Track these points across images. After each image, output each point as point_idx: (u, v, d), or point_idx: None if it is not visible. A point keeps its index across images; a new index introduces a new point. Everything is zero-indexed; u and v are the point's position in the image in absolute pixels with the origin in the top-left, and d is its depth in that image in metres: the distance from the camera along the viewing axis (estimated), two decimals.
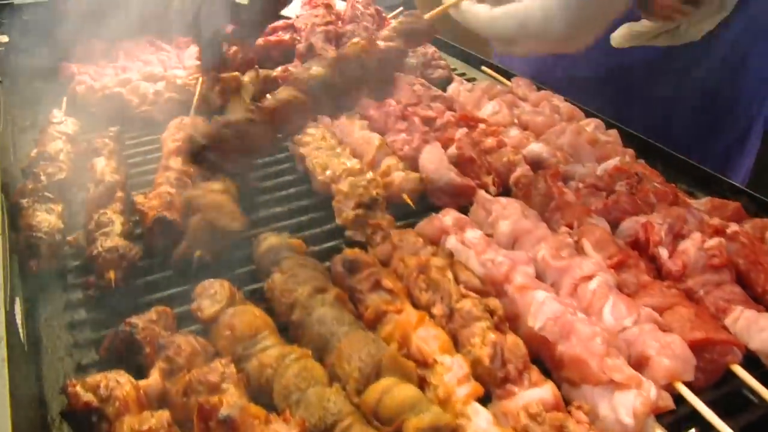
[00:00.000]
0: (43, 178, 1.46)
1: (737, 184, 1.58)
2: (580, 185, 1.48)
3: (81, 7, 2.17)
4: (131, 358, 1.04)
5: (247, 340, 1.03)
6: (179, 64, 2.15)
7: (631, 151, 1.67)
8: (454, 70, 2.24)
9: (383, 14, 2.33)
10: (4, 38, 2.03)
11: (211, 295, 1.11)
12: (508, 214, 1.37)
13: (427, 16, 1.68)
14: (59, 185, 1.47)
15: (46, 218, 1.36)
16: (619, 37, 1.56)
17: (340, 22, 2.24)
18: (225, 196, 1.34)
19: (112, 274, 1.20)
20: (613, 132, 1.76)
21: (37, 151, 1.57)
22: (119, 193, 1.42)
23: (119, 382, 0.94)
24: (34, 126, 1.88)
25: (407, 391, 0.92)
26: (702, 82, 1.99)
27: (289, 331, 1.10)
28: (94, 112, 1.91)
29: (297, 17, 2.23)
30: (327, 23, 2.10)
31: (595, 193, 1.46)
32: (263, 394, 0.98)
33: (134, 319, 1.07)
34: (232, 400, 0.89)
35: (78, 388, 0.92)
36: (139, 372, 1.02)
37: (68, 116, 1.79)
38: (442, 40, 2.38)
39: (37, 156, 1.55)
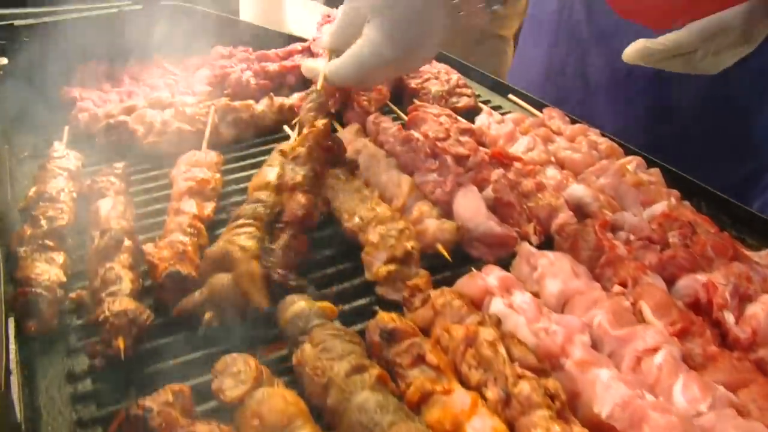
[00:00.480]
0: (43, 222, 1.33)
1: None
2: (631, 237, 1.36)
3: (84, 29, 2.05)
4: None
5: (279, 431, 0.89)
6: (188, 90, 2.02)
7: (676, 192, 1.55)
8: (478, 96, 2.12)
9: None
10: (4, 60, 1.89)
11: (235, 374, 0.98)
12: (557, 271, 1.24)
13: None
14: (60, 232, 1.34)
15: (46, 270, 1.23)
16: (631, 52, 1.47)
17: None
18: (255, 263, 1.21)
19: (121, 343, 1.07)
20: (656, 171, 1.64)
21: (36, 190, 1.44)
22: (127, 242, 1.29)
23: None
24: (33, 156, 1.75)
25: None
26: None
27: (323, 416, 0.97)
28: (97, 142, 1.78)
29: (314, 40, 2.11)
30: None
31: (647, 246, 1.33)
32: None
33: (148, 401, 0.94)
34: None
35: None
36: None
37: (70, 149, 1.67)
38: (464, 64, 2.26)
39: (36, 196, 1.42)
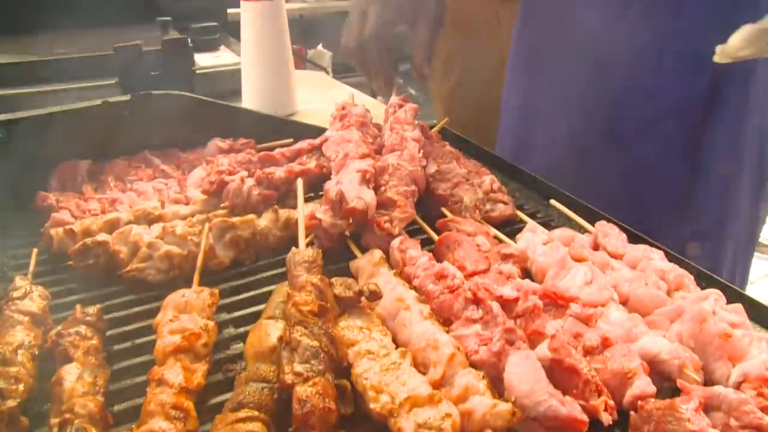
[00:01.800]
0: None
1: None
2: (733, 423, 1.07)
3: (65, 124, 1.80)
4: None
5: None
6: (180, 194, 1.75)
7: (766, 337, 1.28)
8: (515, 197, 1.85)
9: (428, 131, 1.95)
10: None
11: None
12: None
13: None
14: (13, 415, 1.06)
15: None
16: (738, 40, 1.36)
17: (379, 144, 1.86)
18: None
19: None
20: (738, 307, 1.36)
21: None
22: None
23: None
24: None
25: None
26: None
27: None
28: (71, 266, 1.50)
29: (327, 140, 1.84)
30: (363, 156, 1.69)
31: None
32: None
33: None
34: None
35: None
36: None
37: (37, 280, 1.40)
38: (492, 156, 2.01)
39: None
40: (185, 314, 1.27)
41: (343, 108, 1.97)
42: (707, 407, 1.11)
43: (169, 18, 2.80)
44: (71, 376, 1.12)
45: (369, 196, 1.56)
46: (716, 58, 1.39)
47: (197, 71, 2.64)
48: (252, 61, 2.57)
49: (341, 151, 1.74)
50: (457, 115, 2.97)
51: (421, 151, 1.79)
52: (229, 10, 3.67)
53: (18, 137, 1.76)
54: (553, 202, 1.80)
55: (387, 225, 1.53)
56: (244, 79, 2.60)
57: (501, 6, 3.01)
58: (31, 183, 1.78)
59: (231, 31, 2.99)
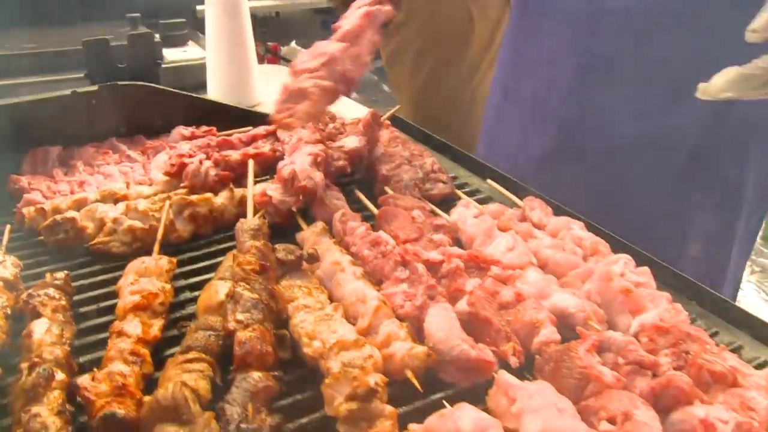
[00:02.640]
0: None
1: None
2: (620, 360, 1.23)
3: (36, 112, 1.93)
4: None
5: None
6: (145, 177, 1.89)
7: (667, 295, 1.44)
8: (455, 179, 2.01)
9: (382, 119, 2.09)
10: None
11: None
12: (538, 406, 1.11)
13: None
14: None
15: None
16: (721, 83, 1.33)
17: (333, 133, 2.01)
18: (213, 421, 1.06)
19: None
20: (645, 270, 1.52)
21: None
22: (60, 375, 1.15)
23: None
24: None
25: None
26: None
27: None
28: (41, 241, 1.64)
29: (277, 124, 1.98)
30: (315, 141, 1.84)
31: (638, 371, 1.21)
32: None
33: None
34: None
35: None
36: None
37: (11, 250, 1.54)
38: (442, 142, 2.16)
39: None
40: (145, 278, 1.42)
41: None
42: (600, 349, 1.26)
43: (138, 14, 2.93)
44: (40, 329, 1.26)
45: (319, 177, 1.72)
46: (698, 95, 1.37)
47: (165, 65, 2.78)
48: (216, 56, 2.72)
49: (295, 135, 1.89)
50: (424, 113, 3.12)
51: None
52: (198, 7, 3.81)
53: None
54: (489, 181, 1.96)
55: (287, 120, 1.62)
56: (209, 72, 2.75)
57: (473, 4, 3.15)
58: (4, 168, 1.91)
59: (199, 27, 3.12)
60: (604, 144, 1.98)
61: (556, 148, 2.09)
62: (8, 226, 1.65)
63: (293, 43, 6.52)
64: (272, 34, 6.53)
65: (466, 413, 1.09)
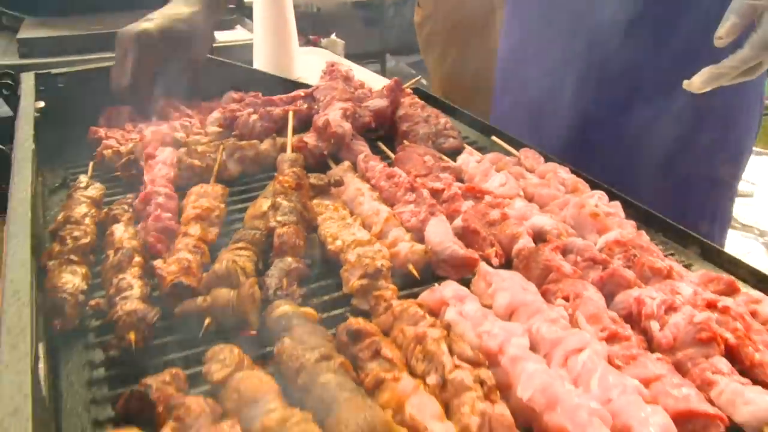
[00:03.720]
0: (69, 241, 1.55)
1: (737, 257, 1.65)
2: (578, 258, 1.55)
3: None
4: (144, 415, 1.11)
5: (253, 403, 1.09)
6: (201, 130, 2.25)
7: (633, 222, 1.74)
8: (466, 138, 2.33)
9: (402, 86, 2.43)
10: (41, 104, 2.14)
11: (221, 360, 1.18)
12: (507, 286, 1.43)
13: None
14: (83, 249, 1.56)
15: (70, 280, 1.44)
16: (701, 81, 1.60)
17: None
18: (256, 287, 1.40)
19: (132, 336, 1.28)
20: (616, 203, 1.83)
21: (64, 215, 1.66)
22: (137, 258, 1.51)
23: None
24: (63, 187, 1.99)
25: None
26: None
27: (294, 394, 1.17)
28: (118, 176, 2.01)
29: (317, 88, 2.34)
30: (345, 99, 2.19)
31: (592, 266, 1.52)
32: None
33: (149, 380, 1.14)
34: None
35: None
36: (152, 429, 1.09)
37: (94, 180, 1.90)
38: (455, 108, 2.48)
39: (63, 220, 1.64)
40: (203, 198, 1.77)
41: (332, 65, 2.46)
42: (564, 251, 1.58)
43: None
44: (119, 230, 1.62)
45: (347, 126, 2.07)
46: (684, 87, 1.64)
47: (217, 45, 3.14)
48: (261, 37, 3.09)
49: (328, 95, 2.24)
50: (452, 96, 3.45)
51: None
52: None
53: (73, 85, 2.28)
54: (494, 137, 2.28)
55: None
56: (255, 51, 3.11)
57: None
58: (86, 122, 2.28)
59: (247, 13, 3.49)
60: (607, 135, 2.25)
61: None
62: (91, 163, 2.02)
63: (333, 35, 6.88)
64: (314, 28, 6.93)
65: (450, 287, 1.42)
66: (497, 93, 2.71)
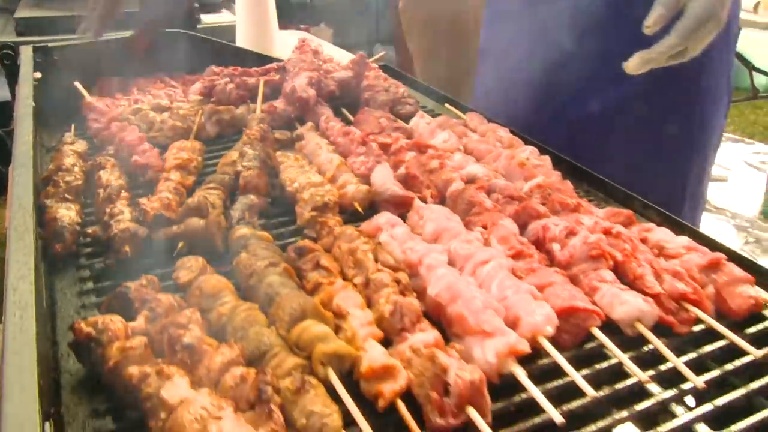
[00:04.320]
0: (62, 184, 1.81)
1: (647, 201, 1.88)
2: (500, 197, 1.81)
3: (102, 51, 2.56)
4: (124, 310, 1.37)
5: (211, 297, 1.36)
6: (184, 98, 2.51)
7: (558, 173, 1.99)
8: (424, 107, 2.58)
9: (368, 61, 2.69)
10: (38, 75, 2.40)
11: (188, 267, 1.44)
12: (434, 217, 1.69)
13: None
14: (75, 190, 1.82)
15: (66, 213, 1.70)
16: (636, 64, 1.72)
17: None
18: (222, 216, 1.68)
19: (127, 248, 1.54)
20: (546, 157, 2.08)
21: (55, 164, 1.92)
22: (125, 193, 1.77)
23: (113, 321, 1.27)
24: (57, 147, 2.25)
25: (321, 328, 1.24)
26: None
27: (245, 292, 1.43)
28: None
29: (288, 60, 2.60)
30: (312, 69, 2.45)
31: (510, 202, 1.78)
32: (219, 335, 1.30)
33: (128, 283, 1.40)
34: (194, 334, 1.23)
35: (82, 324, 1.25)
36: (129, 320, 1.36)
37: (81, 139, 2.16)
38: (412, 80, 2.74)
39: (55, 168, 1.90)
40: (183, 151, 2.03)
41: (303, 41, 2.73)
42: (488, 191, 1.84)
43: None
44: (106, 172, 1.88)
45: (312, 92, 2.33)
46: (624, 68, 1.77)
47: (202, 26, 3.42)
48: (243, 19, 3.35)
49: (297, 66, 2.49)
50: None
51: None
52: None
53: (68, 59, 2.55)
54: (447, 105, 2.54)
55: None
56: (238, 32, 3.38)
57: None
58: (77, 92, 2.54)
59: None
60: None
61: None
62: (74, 124, 2.28)
63: (322, 24, 7.15)
64: (303, 16, 7.20)
65: (384, 216, 1.68)
66: (478, 74, 2.91)
